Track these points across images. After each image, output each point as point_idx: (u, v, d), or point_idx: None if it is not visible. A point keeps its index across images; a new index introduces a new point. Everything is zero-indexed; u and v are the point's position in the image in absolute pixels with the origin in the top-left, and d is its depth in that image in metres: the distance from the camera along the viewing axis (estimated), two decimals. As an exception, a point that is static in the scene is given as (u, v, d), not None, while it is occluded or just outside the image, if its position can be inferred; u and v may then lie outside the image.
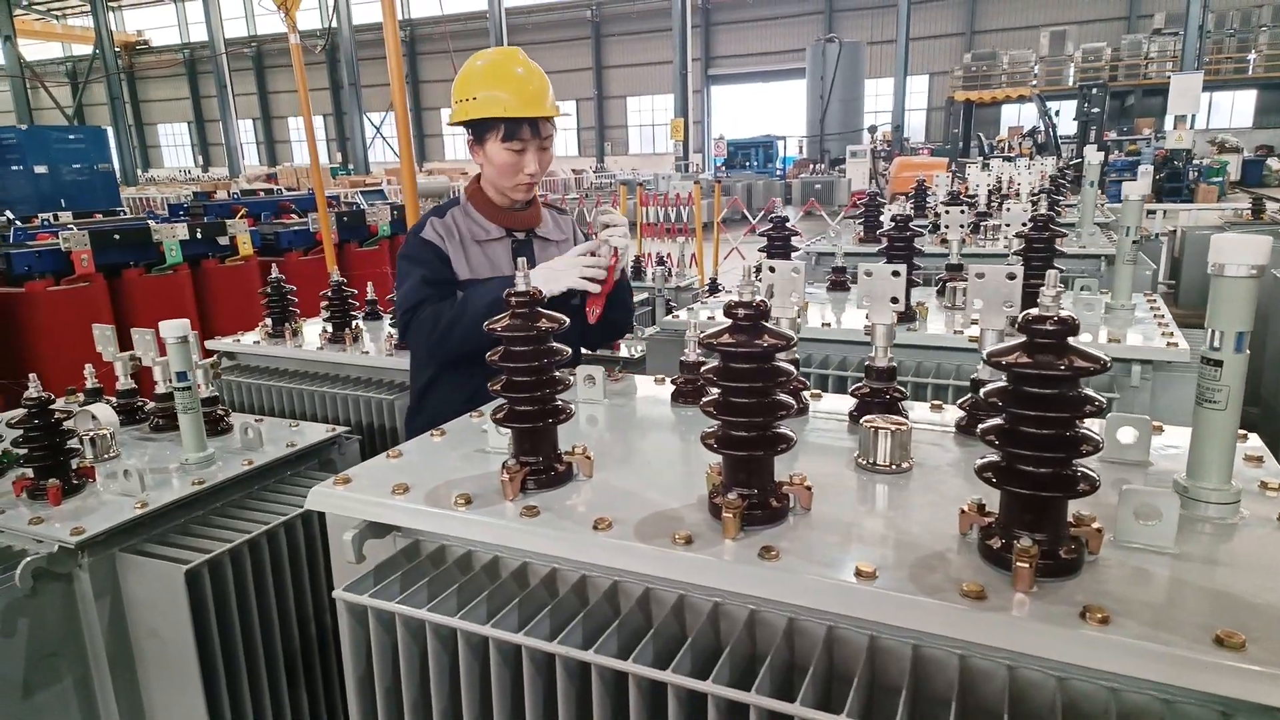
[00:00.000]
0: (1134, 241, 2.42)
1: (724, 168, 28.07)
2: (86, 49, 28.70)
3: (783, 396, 1.19)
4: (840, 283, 3.05)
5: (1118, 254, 2.46)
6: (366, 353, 2.89)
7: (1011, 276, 1.42)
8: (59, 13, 39.75)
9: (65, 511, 1.86)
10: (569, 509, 1.27)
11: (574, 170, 27.14)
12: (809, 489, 1.22)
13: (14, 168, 12.95)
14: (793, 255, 2.87)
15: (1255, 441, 1.44)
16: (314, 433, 2.23)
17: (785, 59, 33.94)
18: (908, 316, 2.47)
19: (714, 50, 36.22)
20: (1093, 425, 1.49)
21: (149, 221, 5.82)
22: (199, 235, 5.10)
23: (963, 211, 2.84)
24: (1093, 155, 3.63)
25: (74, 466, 1.96)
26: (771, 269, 1.67)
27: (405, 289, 2.19)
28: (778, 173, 28.19)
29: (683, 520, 1.21)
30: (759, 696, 0.98)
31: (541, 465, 1.34)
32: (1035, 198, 2.61)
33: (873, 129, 28.76)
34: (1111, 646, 0.91)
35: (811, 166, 26.91)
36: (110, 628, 1.82)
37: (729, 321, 1.17)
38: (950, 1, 32.34)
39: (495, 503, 1.30)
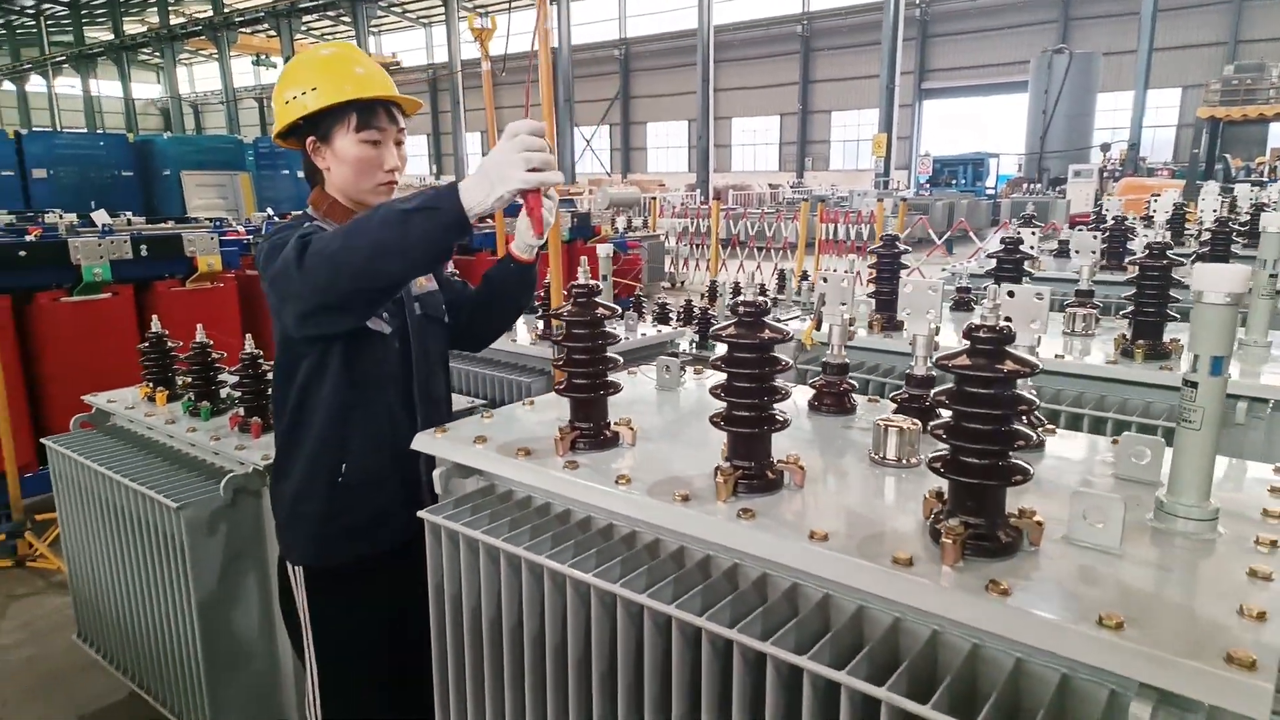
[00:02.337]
0: (1271, 275, 2.28)
1: (928, 185, 26.96)
2: (348, 69, 32.69)
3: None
4: (964, 303, 3.03)
5: (1254, 289, 2.32)
6: (515, 340, 3.30)
7: (1039, 296, 1.50)
8: (330, 37, 45.60)
9: (263, 443, 2.36)
10: (607, 469, 1.52)
11: (770, 185, 27.20)
12: (802, 468, 1.40)
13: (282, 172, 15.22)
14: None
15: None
16: (458, 403, 2.63)
17: (1007, 71, 31.98)
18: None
19: (929, 63, 34.83)
20: (1103, 442, 1.55)
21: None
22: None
23: (1095, 236, 2.76)
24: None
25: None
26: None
27: (296, 231, 1.69)
28: (987, 191, 26.64)
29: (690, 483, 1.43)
30: (771, 644, 1.18)
31: (591, 430, 1.61)
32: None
33: (1105, 146, 26.40)
34: (1003, 614, 1.03)
35: (1026, 186, 25.19)
36: (282, 537, 2.29)
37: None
38: (1210, 9, 29.00)
39: (549, 457, 1.58)
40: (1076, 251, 2.91)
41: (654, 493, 1.40)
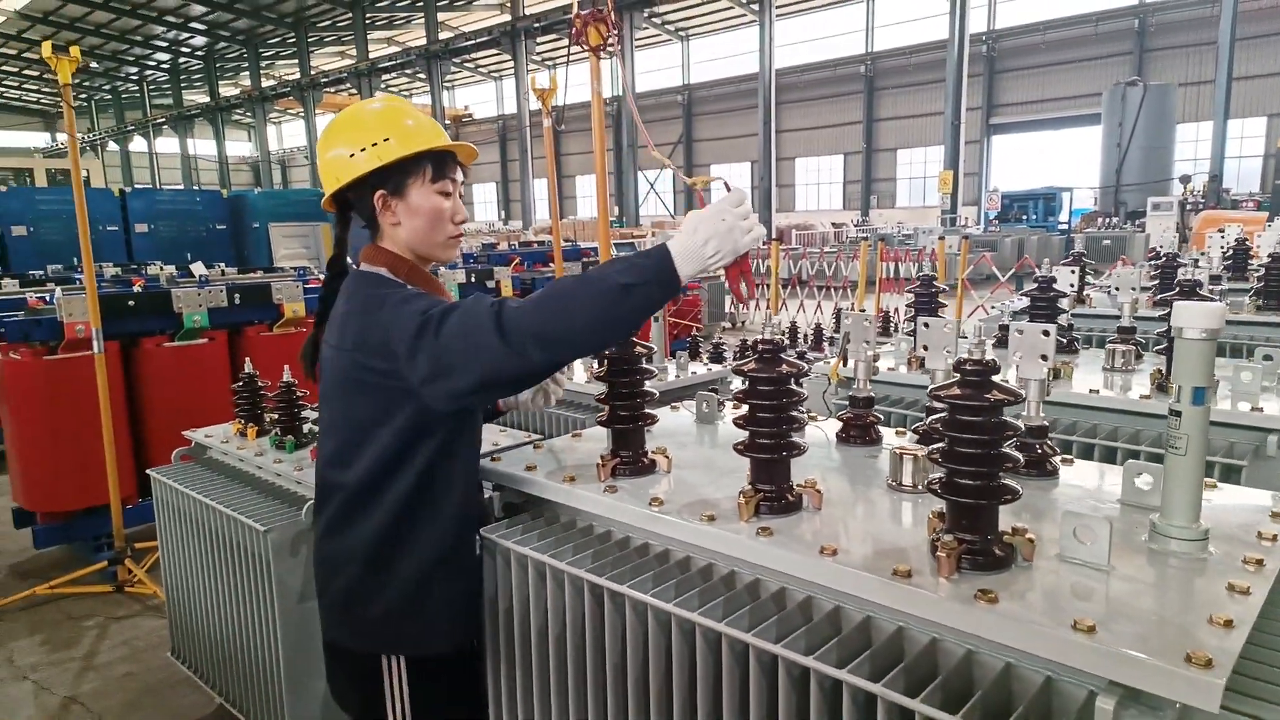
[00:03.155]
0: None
1: (996, 221, 26.53)
2: (423, 122, 34.39)
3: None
4: (1004, 340, 3.08)
5: (1296, 322, 2.35)
6: (571, 378, 3.48)
7: (1046, 333, 1.60)
8: (408, 92, 47.91)
9: (339, 474, 2.58)
10: (642, 493, 1.68)
11: (834, 224, 27.19)
12: (819, 491, 1.52)
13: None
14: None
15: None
16: (518, 437, 2.83)
17: (1078, 104, 31.41)
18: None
19: (997, 99, 34.48)
20: (1110, 470, 1.63)
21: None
22: (473, 279, 6.24)
23: (1133, 272, 2.81)
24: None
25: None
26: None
27: (426, 299, 1.62)
28: (1060, 226, 26.04)
29: (717, 506, 1.57)
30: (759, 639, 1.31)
31: (630, 458, 1.76)
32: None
33: (1186, 178, 25.59)
34: (989, 619, 1.14)
35: (1101, 221, 24.55)
36: (356, 559, 2.49)
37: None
38: (1298, 34, 28.04)
39: (592, 482, 1.74)
40: (1117, 289, 2.95)
41: (683, 514, 1.55)
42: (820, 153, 38.66)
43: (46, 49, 3.89)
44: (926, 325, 1.76)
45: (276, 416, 2.94)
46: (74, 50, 3.96)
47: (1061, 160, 32.68)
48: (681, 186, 41.76)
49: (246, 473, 2.94)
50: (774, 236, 16.79)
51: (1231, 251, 4.43)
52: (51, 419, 4.53)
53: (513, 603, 1.73)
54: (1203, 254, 4.53)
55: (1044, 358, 1.60)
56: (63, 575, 4.38)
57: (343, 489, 1.73)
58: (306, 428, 2.94)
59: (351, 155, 1.73)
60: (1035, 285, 2.54)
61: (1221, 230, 5.18)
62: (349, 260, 1.87)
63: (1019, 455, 1.25)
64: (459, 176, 1.83)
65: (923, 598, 1.21)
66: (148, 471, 3.15)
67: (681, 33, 39.77)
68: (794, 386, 1.51)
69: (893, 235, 23.56)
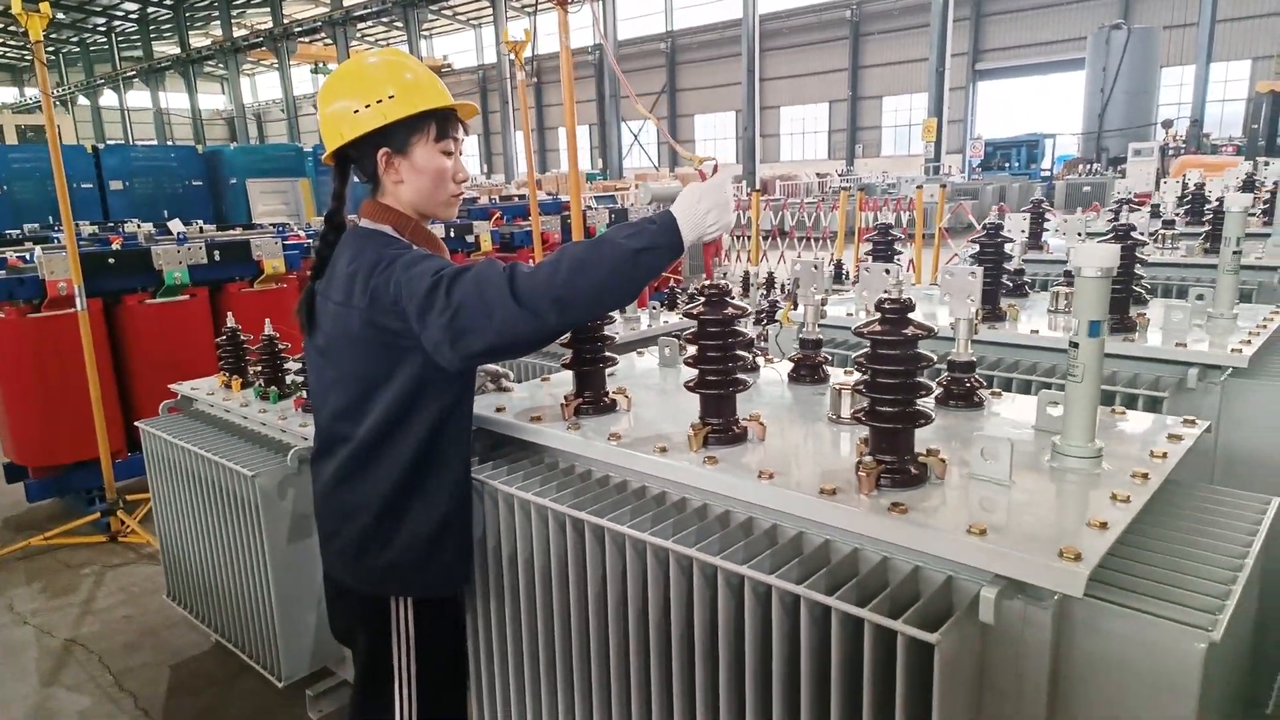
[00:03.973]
0: (1234, 252, 2.44)
1: (979, 169, 26.54)
2: (401, 73, 33.66)
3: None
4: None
5: (1220, 264, 2.48)
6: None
7: (973, 275, 1.73)
8: (385, 42, 46.84)
9: (322, 421, 2.70)
10: (603, 429, 1.81)
11: (818, 174, 27.09)
12: (763, 424, 1.66)
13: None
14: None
15: (1186, 430, 1.63)
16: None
17: (1064, 49, 31.16)
18: (996, 316, 2.69)
19: (983, 43, 34.13)
20: (1020, 400, 1.77)
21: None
22: (451, 233, 6.29)
23: (1080, 219, 2.94)
24: (1286, 161, 3.42)
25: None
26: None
27: (436, 260, 1.67)
28: (1042, 174, 26.08)
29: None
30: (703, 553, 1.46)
31: (593, 398, 1.90)
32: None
33: (1168, 123, 25.61)
34: (896, 527, 1.28)
35: (1084, 167, 24.61)
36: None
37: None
38: (1283, -26, 27.79)
39: (556, 420, 1.87)
40: (1064, 234, 3.08)
41: (638, 446, 1.68)
42: (805, 101, 38.28)
43: (16, 4, 3.88)
44: (868, 270, 1.88)
45: (260, 369, 3.05)
46: (44, 6, 3.95)
47: (1048, 106, 32.54)
48: (664, 139, 41.37)
49: (232, 423, 3.05)
50: (757, 187, 16.78)
51: (1190, 196, 4.55)
52: (39, 376, 4.61)
53: (485, 532, 1.87)
54: (1161, 200, 4.65)
55: (971, 299, 1.73)
56: (57, 527, 4.51)
57: (351, 441, 1.77)
58: (290, 379, 3.05)
59: (356, 111, 1.73)
60: (983, 231, 2.66)
61: (1183, 176, 5.30)
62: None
63: (931, 384, 1.39)
64: (460, 135, 1.84)
65: (843, 512, 1.35)
66: (136, 423, 3.26)
67: (664, -23, 39.01)
68: (738, 328, 1.63)
69: (876, 185, 23.53)
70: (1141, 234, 2.92)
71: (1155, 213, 4.69)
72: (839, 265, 7.54)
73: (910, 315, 1.37)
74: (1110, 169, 23.83)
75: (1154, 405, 2.18)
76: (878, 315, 1.39)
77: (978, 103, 34.97)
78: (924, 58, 26.84)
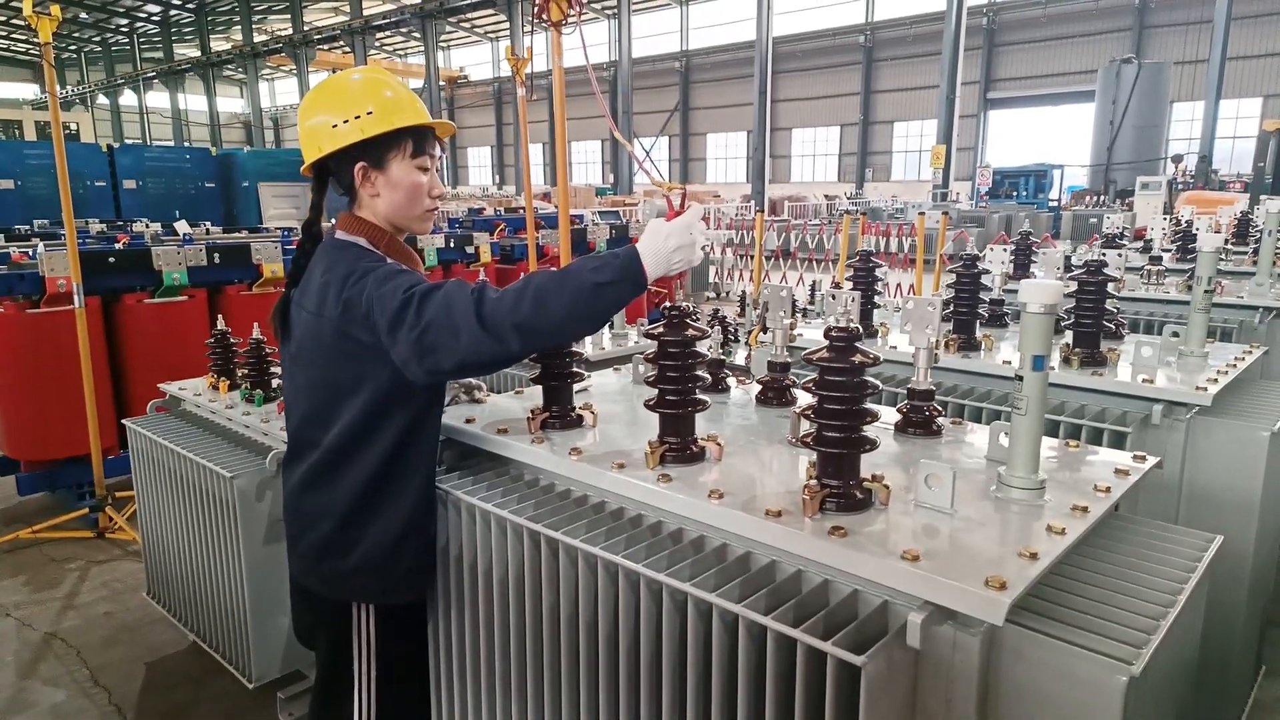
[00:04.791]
0: (1206, 291, 2.46)
1: (987, 197, 26.61)
2: (420, 82, 34.12)
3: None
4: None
5: (1192, 303, 2.51)
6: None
7: (932, 305, 1.76)
8: (402, 52, 47.33)
9: (303, 426, 2.74)
10: (566, 443, 1.84)
11: (826, 196, 27.17)
12: (720, 444, 1.69)
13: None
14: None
15: (1134, 465, 1.66)
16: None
17: (1077, 80, 31.30)
18: (971, 345, 2.72)
19: (995, 73, 34.31)
20: (979, 429, 1.80)
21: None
22: (451, 245, 6.36)
23: (1060, 254, 2.97)
24: (1272, 204, 3.45)
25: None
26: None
27: (409, 277, 1.70)
28: (1050, 204, 26.13)
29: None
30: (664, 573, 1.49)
31: (558, 413, 1.93)
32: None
33: (1177, 158, 25.68)
34: (835, 550, 1.31)
35: (1091, 198, 24.66)
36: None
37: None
38: (1292, 13, 27.91)
39: (523, 434, 1.91)
40: (1043, 268, 3.11)
41: (598, 462, 1.72)
42: (817, 124, 38.47)
43: (27, 6, 3.96)
44: (833, 297, 1.91)
45: (246, 372, 3.09)
46: (55, 9, 4.03)
47: (1058, 137, 32.65)
48: (677, 154, 41.62)
49: (217, 424, 3.09)
50: (763, 207, 16.86)
51: (1180, 234, 4.58)
52: (34, 371, 4.67)
53: (449, 540, 1.90)
54: (1148, 238, 4.68)
55: (929, 329, 1.76)
56: (46, 521, 4.55)
57: (318, 447, 1.81)
58: (275, 383, 3.09)
59: (335, 125, 1.78)
60: (960, 263, 2.70)
61: (1178, 213, 5.31)
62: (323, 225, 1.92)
63: (876, 410, 1.42)
64: (437, 151, 1.90)
65: (786, 533, 1.38)
66: (123, 421, 3.31)
67: (681, -4, 39.37)
68: (698, 349, 1.67)
69: (883, 209, 23.60)
70: (1118, 270, 2.95)
71: (1147, 248, 4.72)
72: (813, 289, 7.61)
73: (858, 344, 1.40)
74: (1118, 201, 23.86)
75: (1119, 441, 2.20)
76: (825, 343, 1.42)
77: (988, 131, 35.11)
78: (936, 85, 27.02)
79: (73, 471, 4.82)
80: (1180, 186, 22.78)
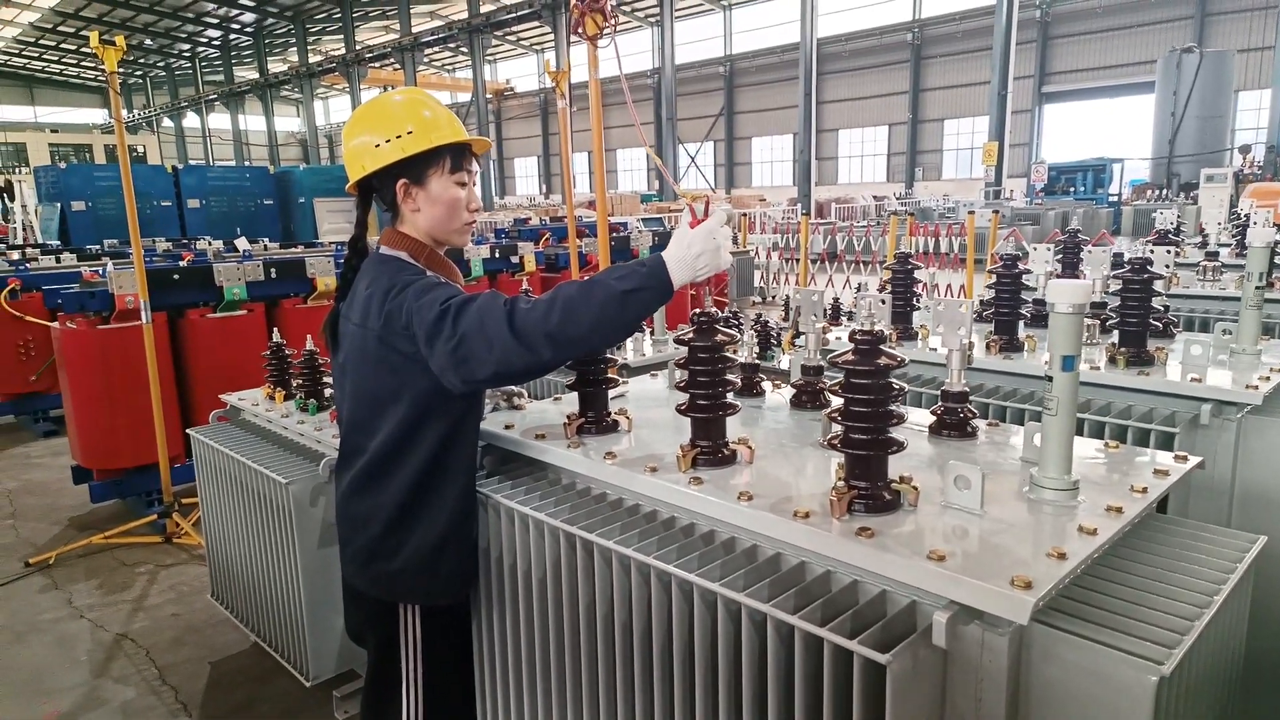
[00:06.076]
0: (1257, 287, 2.40)
1: (1042, 194, 25.95)
2: (468, 96, 34.74)
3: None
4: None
5: (1243, 299, 2.44)
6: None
7: (964, 306, 1.76)
8: (450, 67, 48.27)
9: (354, 434, 2.84)
10: (601, 448, 1.88)
11: (875, 197, 26.83)
12: (751, 448, 1.72)
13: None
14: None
15: (1175, 465, 1.63)
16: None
17: (1136, 72, 30.36)
18: (1013, 346, 2.69)
19: (1050, 66, 33.48)
20: (1015, 430, 1.79)
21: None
22: (497, 255, 6.49)
23: (1105, 252, 2.91)
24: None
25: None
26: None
27: (446, 289, 1.78)
28: (1109, 199, 25.37)
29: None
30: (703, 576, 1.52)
31: (594, 418, 1.97)
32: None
33: (1245, 149, 24.69)
34: (862, 551, 1.33)
35: (1152, 193, 23.87)
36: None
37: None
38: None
39: (560, 439, 1.96)
40: (1089, 267, 3.06)
41: (632, 466, 1.75)
42: (864, 124, 38.02)
43: (94, 39, 4.18)
44: (868, 299, 1.92)
45: (301, 382, 3.22)
46: (119, 39, 4.24)
47: (1117, 130, 31.70)
48: (722, 159, 41.55)
49: (274, 432, 3.22)
50: (808, 210, 16.72)
51: (1239, 228, 4.44)
52: (105, 384, 4.91)
53: (490, 543, 1.96)
54: (1205, 232, 4.54)
55: (962, 330, 1.76)
56: (117, 527, 4.78)
57: (364, 454, 1.90)
58: (328, 392, 3.21)
59: (377, 145, 1.87)
60: (1000, 263, 2.67)
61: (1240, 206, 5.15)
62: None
63: (902, 412, 1.43)
64: (474, 168, 1.98)
65: (813, 534, 1.40)
66: (187, 431, 3.46)
67: (724, 1, 39.31)
68: (727, 354, 1.69)
69: (933, 209, 23.22)
70: (1166, 267, 2.89)
71: (1204, 243, 4.58)
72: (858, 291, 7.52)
73: (882, 346, 1.41)
74: (1181, 195, 23.05)
75: (1166, 442, 2.15)
76: (851, 345, 1.44)
77: (1043, 126, 34.26)
78: (988, 80, 26.48)
79: (141, 479, 5.05)
80: (1248, 178, 21.91)
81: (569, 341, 1.62)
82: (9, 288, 6.30)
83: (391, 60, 33.62)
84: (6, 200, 17.06)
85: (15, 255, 8.03)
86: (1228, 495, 2.20)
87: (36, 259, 8.03)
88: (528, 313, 1.63)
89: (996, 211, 9.70)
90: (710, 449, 1.70)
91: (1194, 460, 1.64)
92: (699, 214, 1.65)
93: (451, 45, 34.26)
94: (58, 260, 8.00)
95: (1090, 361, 2.54)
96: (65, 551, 4.56)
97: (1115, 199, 25.49)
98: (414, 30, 32.65)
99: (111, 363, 4.88)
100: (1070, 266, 3.90)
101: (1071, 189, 26.27)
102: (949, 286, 10.41)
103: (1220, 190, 20.92)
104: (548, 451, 1.93)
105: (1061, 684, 1.21)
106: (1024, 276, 2.67)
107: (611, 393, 2.06)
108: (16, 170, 27.90)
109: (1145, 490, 1.49)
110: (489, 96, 37.50)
